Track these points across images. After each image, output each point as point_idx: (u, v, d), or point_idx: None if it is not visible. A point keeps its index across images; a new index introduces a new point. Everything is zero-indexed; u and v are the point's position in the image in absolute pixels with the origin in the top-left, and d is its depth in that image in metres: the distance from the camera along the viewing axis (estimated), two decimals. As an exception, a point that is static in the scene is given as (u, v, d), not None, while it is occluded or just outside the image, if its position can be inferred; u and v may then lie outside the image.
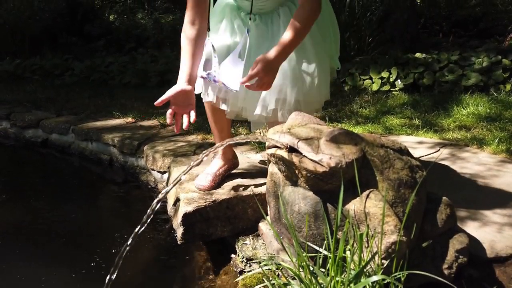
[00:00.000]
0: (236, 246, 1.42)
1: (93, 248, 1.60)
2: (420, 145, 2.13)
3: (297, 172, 1.04)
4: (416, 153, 1.98)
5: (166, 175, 2.07)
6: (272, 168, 1.18)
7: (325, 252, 0.97)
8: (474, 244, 1.21)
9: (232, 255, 1.42)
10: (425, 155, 1.97)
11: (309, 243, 1.03)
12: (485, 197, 1.52)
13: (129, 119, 2.96)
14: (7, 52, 5.74)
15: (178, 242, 1.42)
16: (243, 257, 1.35)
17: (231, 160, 1.61)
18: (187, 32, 1.30)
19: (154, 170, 2.20)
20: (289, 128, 1.09)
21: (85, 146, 2.79)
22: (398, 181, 1.02)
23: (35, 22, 6.34)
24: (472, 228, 1.30)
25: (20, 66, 5.10)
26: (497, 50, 3.51)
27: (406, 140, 2.24)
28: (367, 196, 0.97)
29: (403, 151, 1.11)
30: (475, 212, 1.40)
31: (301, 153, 1.01)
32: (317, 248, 1.00)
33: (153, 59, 4.85)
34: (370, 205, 0.96)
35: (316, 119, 1.15)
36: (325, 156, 0.96)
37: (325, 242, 0.96)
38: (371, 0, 4.46)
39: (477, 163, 1.86)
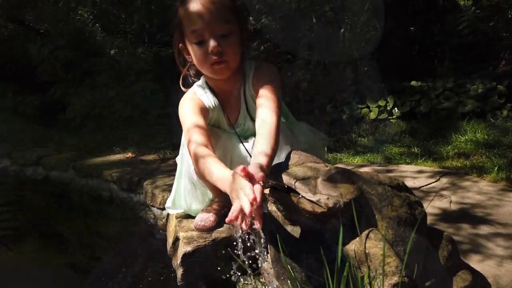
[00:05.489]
0: (237, 286, 1.39)
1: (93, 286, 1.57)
2: (420, 174, 2.13)
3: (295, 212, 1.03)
4: (416, 182, 1.98)
5: (165, 212, 2.05)
6: (271, 207, 1.18)
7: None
8: (478, 279, 1.18)
9: (234, 295, 1.40)
10: (426, 185, 1.96)
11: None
12: (488, 229, 1.50)
13: (129, 154, 2.97)
14: (9, 90, 5.83)
15: (178, 283, 1.39)
16: (245, 298, 1.32)
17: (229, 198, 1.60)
18: (205, 150, 1.20)
19: (154, 207, 2.19)
20: (286, 167, 1.10)
21: (85, 183, 2.78)
22: (398, 219, 1.01)
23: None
24: (475, 261, 1.28)
25: (22, 103, 5.17)
26: (492, 76, 3.57)
27: (406, 169, 2.24)
28: (367, 236, 0.96)
29: (401, 187, 1.11)
30: (478, 245, 1.38)
31: (298, 193, 1.01)
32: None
33: (153, 92, 4.92)
34: (371, 245, 0.95)
35: (313, 157, 1.16)
36: (323, 197, 0.96)
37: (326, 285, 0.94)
38: (365, 29, 4.56)
39: (477, 192, 1.85)
